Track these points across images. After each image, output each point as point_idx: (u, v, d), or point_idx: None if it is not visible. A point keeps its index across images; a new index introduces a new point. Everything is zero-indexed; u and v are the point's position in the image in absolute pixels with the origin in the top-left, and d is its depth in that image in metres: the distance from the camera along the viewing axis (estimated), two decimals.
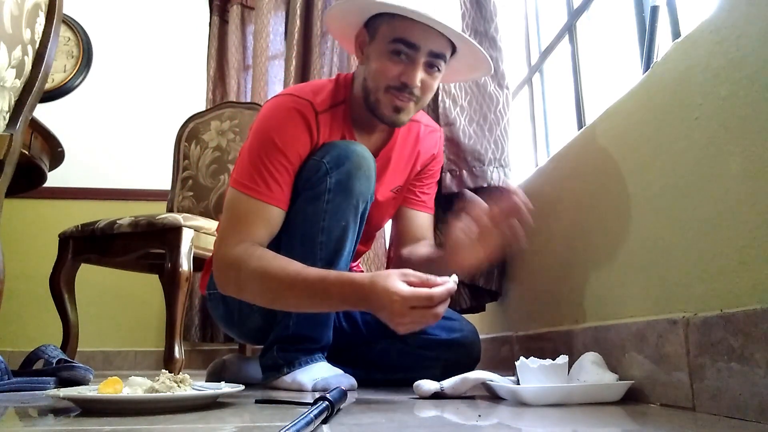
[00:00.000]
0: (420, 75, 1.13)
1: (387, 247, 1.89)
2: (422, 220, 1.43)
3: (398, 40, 1.12)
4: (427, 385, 1.00)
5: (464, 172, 1.55)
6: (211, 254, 1.47)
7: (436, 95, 1.61)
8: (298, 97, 1.20)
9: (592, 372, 0.91)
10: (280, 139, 1.15)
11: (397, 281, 0.94)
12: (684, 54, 0.83)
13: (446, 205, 1.59)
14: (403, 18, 1.11)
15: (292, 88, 1.27)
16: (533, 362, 0.91)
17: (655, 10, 1.14)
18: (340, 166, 1.13)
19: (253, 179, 1.15)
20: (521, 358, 0.93)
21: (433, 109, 1.64)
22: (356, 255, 1.39)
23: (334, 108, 1.23)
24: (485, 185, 1.53)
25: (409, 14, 1.09)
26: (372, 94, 1.18)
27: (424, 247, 1.36)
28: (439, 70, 1.16)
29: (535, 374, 0.89)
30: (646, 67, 1.12)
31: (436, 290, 0.92)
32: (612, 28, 1.47)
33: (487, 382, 0.97)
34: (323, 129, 1.20)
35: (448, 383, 0.99)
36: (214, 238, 1.76)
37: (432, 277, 0.94)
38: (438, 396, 0.99)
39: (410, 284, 0.94)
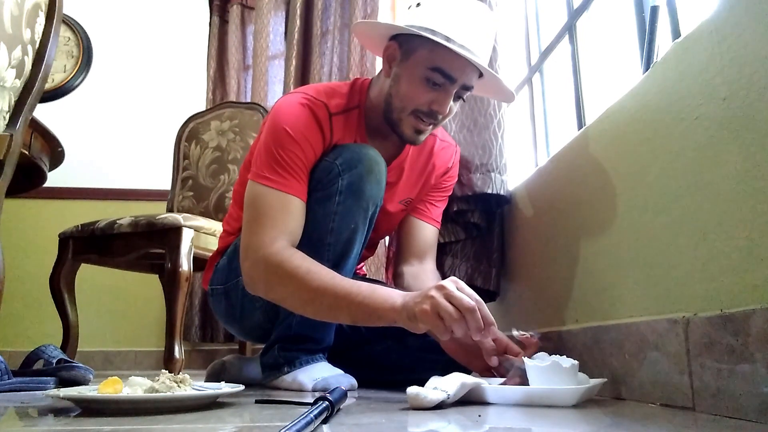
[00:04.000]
0: (450, 104, 1.15)
1: (387, 246, 1.88)
2: (427, 233, 1.42)
3: (436, 70, 1.12)
4: (431, 394, 0.83)
5: None
6: (212, 252, 1.47)
7: None
8: (313, 97, 1.20)
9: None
10: (294, 131, 1.15)
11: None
12: (684, 54, 0.83)
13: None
14: (444, 46, 1.09)
15: (307, 87, 1.26)
16: (534, 361, 0.90)
17: (655, 10, 1.14)
18: (352, 169, 1.13)
19: (273, 171, 1.15)
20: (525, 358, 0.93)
21: None
22: (360, 259, 1.39)
23: (348, 112, 1.23)
24: (470, 193, 1.53)
25: (454, 47, 1.08)
26: (395, 113, 1.19)
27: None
28: (464, 99, 1.20)
29: (538, 375, 0.89)
30: (646, 67, 1.12)
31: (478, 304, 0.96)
32: (612, 28, 1.47)
33: (482, 386, 0.94)
34: (336, 131, 1.20)
35: (452, 390, 0.86)
36: (216, 237, 1.78)
37: None
38: (442, 406, 0.85)
39: None
